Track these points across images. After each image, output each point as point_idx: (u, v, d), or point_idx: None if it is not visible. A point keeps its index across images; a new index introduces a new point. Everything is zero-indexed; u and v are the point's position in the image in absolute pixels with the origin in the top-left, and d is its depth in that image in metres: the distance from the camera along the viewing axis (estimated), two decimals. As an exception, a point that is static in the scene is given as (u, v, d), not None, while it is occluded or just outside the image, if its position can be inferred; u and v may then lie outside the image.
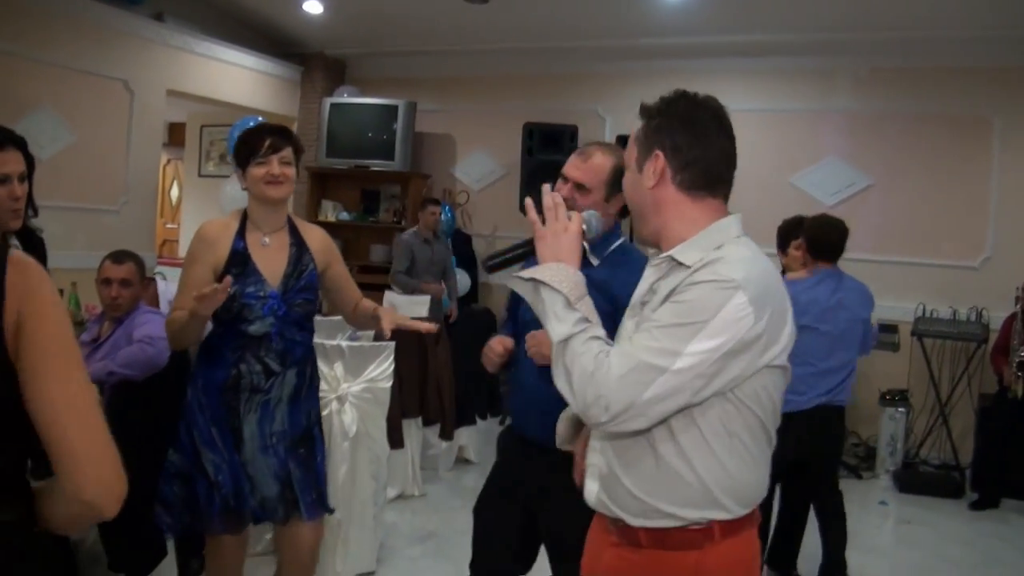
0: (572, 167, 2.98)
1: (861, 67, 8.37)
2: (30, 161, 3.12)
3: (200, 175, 11.59)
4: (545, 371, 2.68)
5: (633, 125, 2.25)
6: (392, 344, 4.55)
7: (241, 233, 3.39)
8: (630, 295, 2.25)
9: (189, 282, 3.27)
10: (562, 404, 2.18)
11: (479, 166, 9.87)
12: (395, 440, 5.28)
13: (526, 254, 2.26)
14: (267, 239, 3.41)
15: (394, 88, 9.91)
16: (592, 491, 2.12)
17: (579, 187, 2.93)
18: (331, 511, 3.64)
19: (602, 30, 8.77)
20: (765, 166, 8.59)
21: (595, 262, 2.94)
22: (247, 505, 3.35)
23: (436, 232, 8.09)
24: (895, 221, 7.82)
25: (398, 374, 4.88)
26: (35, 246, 3.42)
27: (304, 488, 3.42)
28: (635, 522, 2.02)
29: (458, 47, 9.59)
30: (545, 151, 8.57)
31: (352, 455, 4.46)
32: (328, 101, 9.66)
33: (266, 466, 3.35)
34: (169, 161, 13.04)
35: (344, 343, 4.55)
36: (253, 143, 3.35)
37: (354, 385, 4.50)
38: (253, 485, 3.35)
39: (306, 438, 3.47)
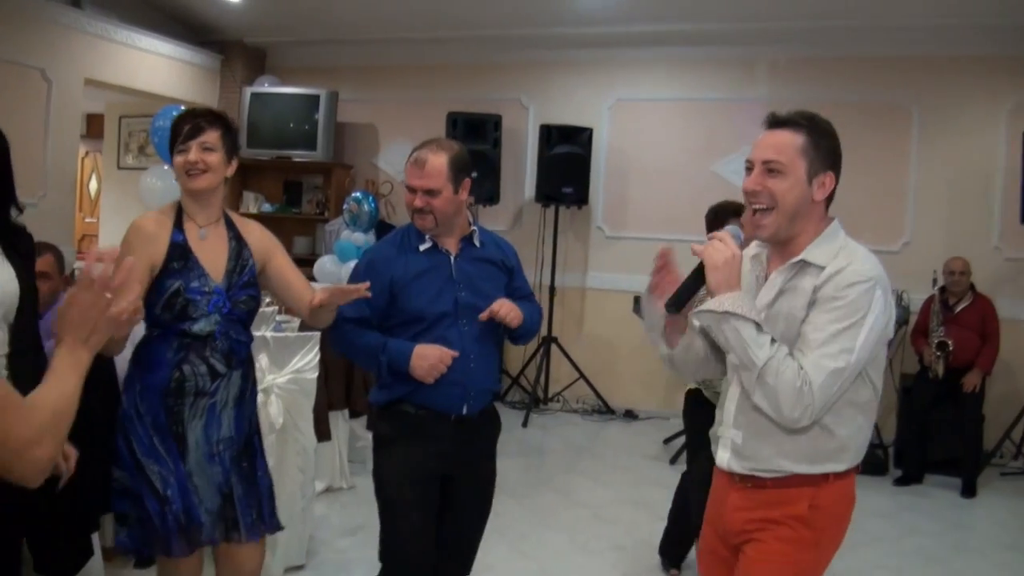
0: (414, 178, 3.20)
1: (780, 56, 8.52)
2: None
3: (119, 167, 11.37)
4: (483, 349, 3.31)
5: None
6: (317, 335, 4.51)
7: (179, 225, 3.20)
8: (514, 263, 3.47)
9: None
10: (492, 375, 3.40)
11: (402, 156, 9.68)
12: (322, 432, 5.24)
13: (699, 285, 2.48)
14: (204, 231, 3.23)
15: (316, 77, 9.82)
16: (724, 458, 2.56)
17: (429, 192, 3.18)
18: (279, 529, 3.46)
19: (525, 19, 8.78)
20: (687, 154, 8.71)
21: (478, 244, 3.39)
22: (199, 521, 3.14)
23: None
24: (814, 208, 7.98)
25: (324, 365, 4.84)
26: (20, 243, 3.04)
27: (245, 507, 3.25)
28: (764, 475, 2.47)
29: (380, 36, 9.52)
30: (469, 140, 8.53)
31: (279, 448, 4.42)
32: (248, 90, 9.54)
33: (211, 476, 3.16)
34: (88, 153, 12.78)
35: (269, 334, 4.51)
36: (175, 129, 3.19)
37: (279, 377, 4.45)
38: (200, 498, 3.14)
39: (248, 449, 3.31)
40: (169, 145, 3.22)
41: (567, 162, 8.57)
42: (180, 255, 3.13)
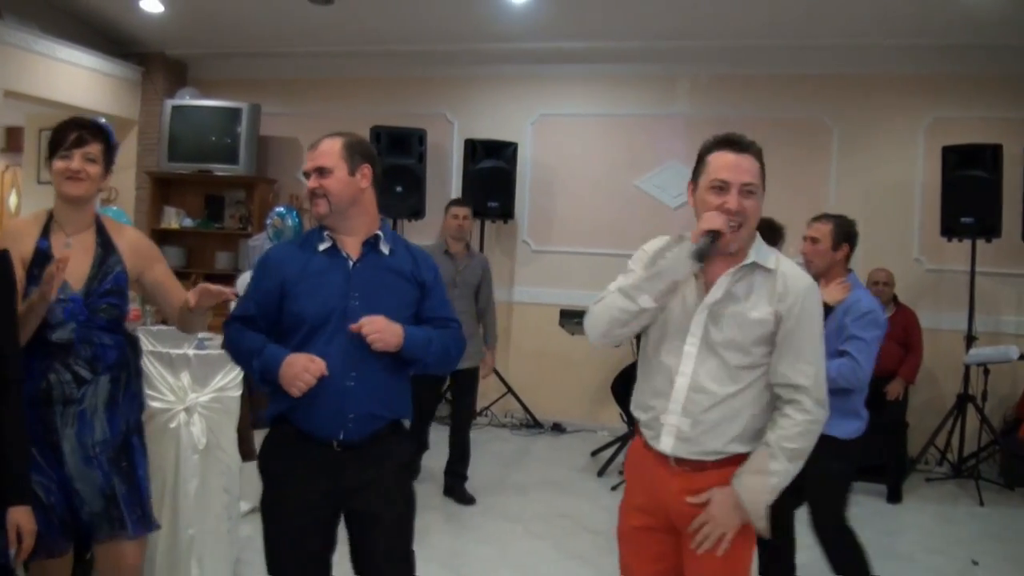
0: (308, 161, 3.13)
1: (701, 74, 8.64)
2: None
3: (39, 182, 11.07)
4: (367, 370, 2.99)
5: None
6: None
7: (45, 232, 3.21)
8: (431, 280, 3.19)
9: None
10: (382, 400, 3.05)
11: (326, 170, 9.72)
12: (246, 451, 5.13)
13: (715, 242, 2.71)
14: (71, 240, 3.22)
15: (237, 90, 9.71)
16: (668, 444, 2.76)
17: (320, 171, 3.06)
18: (156, 527, 3.45)
19: (449, 34, 8.79)
20: (611, 169, 8.78)
21: (386, 250, 3.15)
22: (80, 520, 3.18)
23: (467, 243, 6.65)
24: (737, 222, 8.08)
25: (247, 382, 4.76)
26: None
27: (129, 504, 3.25)
28: (707, 458, 2.74)
29: (303, 49, 9.46)
30: (393, 154, 8.52)
31: (202, 468, 4.34)
32: (169, 103, 9.41)
33: (91, 479, 3.17)
34: (7, 167, 12.49)
35: (191, 352, 4.42)
36: (60, 135, 3.20)
37: (202, 395, 4.37)
38: (83, 500, 3.17)
39: (126, 448, 3.29)
40: (49, 149, 3.21)
41: (492, 176, 8.57)
42: (41, 262, 3.11)
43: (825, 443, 4.29)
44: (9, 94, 8.09)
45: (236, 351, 3.13)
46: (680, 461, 2.77)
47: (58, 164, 3.17)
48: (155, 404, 4.29)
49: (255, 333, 3.05)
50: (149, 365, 4.25)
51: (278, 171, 9.84)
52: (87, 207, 3.29)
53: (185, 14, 8.91)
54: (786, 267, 2.77)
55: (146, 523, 3.34)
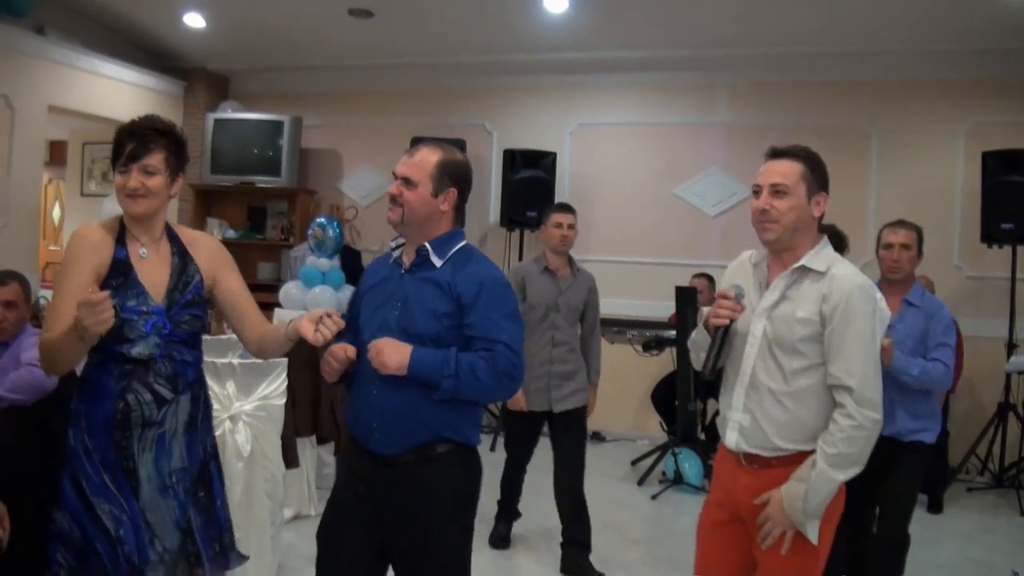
0: (400, 164, 3.01)
1: (740, 81, 8.63)
2: None
3: (83, 194, 11.30)
4: (390, 382, 2.86)
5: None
6: (284, 361, 4.50)
7: (121, 241, 2.98)
8: (471, 294, 2.91)
9: (70, 288, 2.82)
10: (409, 415, 2.87)
11: (366, 181, 9.83)
12: (290, 459, 5.21)
13: (724, 346, 3.00)
14: (144, 250, 2.99)
15: (279, 103, 9.83)
16: (732, 439, 2.99)
17: (406, 181, 2.96)
18: (242, 560, 3.24)
19: (487, 45, 8.85)
20: (649, 178, 8.78)
21: (438, 263, 3.00)
22: (148, 560, 2.89)
23: (571, 258, 5.52)
24: (776, 230, 8.08)
25: (291, 391, 4.82)
26: None
27: (206, 540, 3.03)
28: (766, 454, 2.91)
29: (343, 62, 9.56)
30: (433, 165, 8.58)
31: (247, 476, 4.39)
32: (212, 117, 9.54)
33: (167, 511, 2.93)
34: (51, 180, 12.69)
35: (236, 360, 4.49)
36: (118, 144, 2.96)
37: (247, 404, 4.44)
38: (154, 534, 2.91)
39: (203, 477, 3.07)
40: (112, 159, 2.99)
41: (531, 186, 8.61)
42: (120, 271, 2.92)
43: (924, 451, 4.31)
44: (53, 109, 8.23)
45: None
46: (748, 458, 2.96)
47: (119, 180, 2.93)
48: (201, 412, 4.36)
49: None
50: (194, 374, 4.32)
51: (319, 182, 9.93)
52: (156, 219, 3.05)
53: (227, 29, 9.03)
54: (838, 269, 2.88)
55: (224, 559, 3.13)
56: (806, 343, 2.84)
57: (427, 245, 2.99)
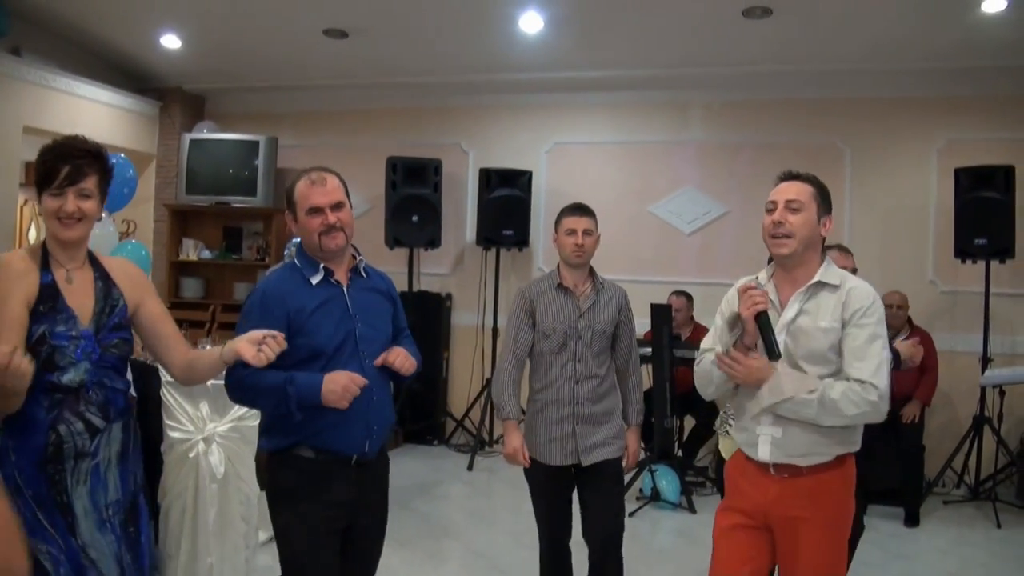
0: (319, 196, 3.20)
1: (714, 100, 8.70)
2: None
3: (57, 215, 11.25)
4: (384, 386, 3.28)
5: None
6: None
7: (46, 266, 2.88)
8: (395, 295, 3.47)
9: (3, 321, 2.70)
10: (391, 411, 3.38)
11: (343, 201, 9.79)
12: (264, 480, 5.19)
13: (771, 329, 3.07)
14: (71, 274, 2.91)
15: (255, 123, 9.83)
16: (765, 451, 3.08)
17: (337, 206, 3.20)
18: None
19: (463, 65, 8.88)
20: (625, 196, 8.81)
21: (365, 274, 3.36)
22: None
23: (593, 272, 4.41)
24: (751, 247, 8.03)
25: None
26: None
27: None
28: (801, 462, 3.04)
29: (319, 82, 9.58)
30: (409, 185, 8.61)
31: (221, 497, 4.39)
32: (188, 137, 9.52)
33: (107, 545, 2.84)
34: (26, 201, 12.62)
35: (210, 382, 4.46)
36: (47, 168, 2.86)
37: (220, 425, 4.44)
38: (100, 572, 2.81)
39: (133, 511, 2.99)
40: (37, 180, 2.89)
41: (507, 205, 8.62)
42: (48, 296, 2.82)
43: None
44: (28, 130, 8.19)
45: (258, 391, 3.06)
46: (779, 468, 3.09)
47: (50, 204, 2.84)
48: (174, 434, 4.35)
49: (270, 371, 2.97)
50: (168, 395, 4.31)
51: (295, 202, 9.90)
52: (84, 243, 2.99)
53: (202, 49, 9.03)
54: (852, 283, 3.11)
55: None
56: (832, 350, 3.04)
57: (362, 259, 3.36)
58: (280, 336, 2.93)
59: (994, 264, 7.36)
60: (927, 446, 7.18)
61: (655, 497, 6.92)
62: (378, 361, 3.19)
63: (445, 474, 7.87)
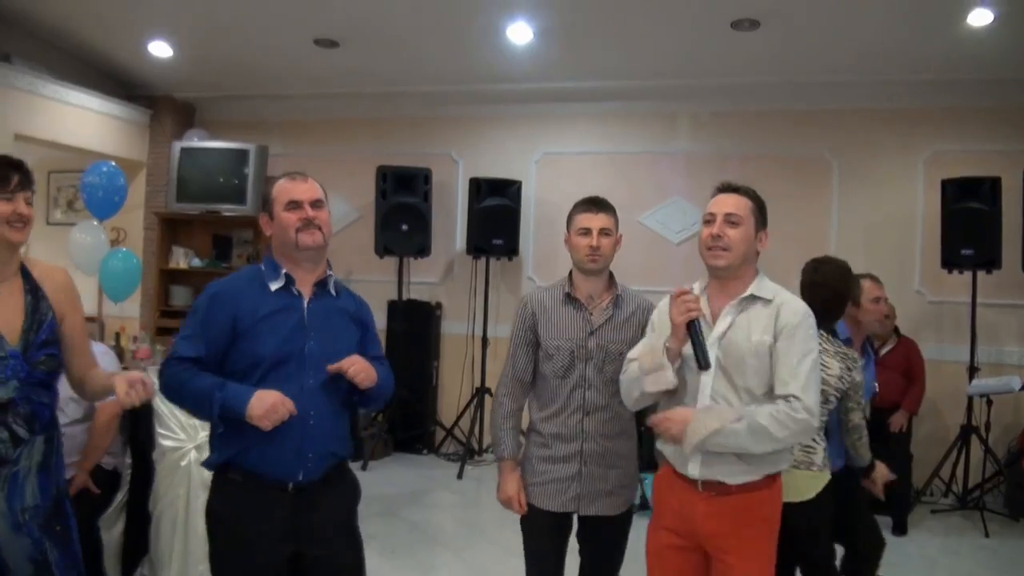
0: (300, 192, 3.13)
1: (702, 111, 8.75)
2: None
3: (48, 223, 11.20)
4: (324, 407, 3.02)
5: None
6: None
7: None
8: (368, 320, 3.29)
9: None
10: (336, 436, 3.08)
11: (333, 209, 9.58)
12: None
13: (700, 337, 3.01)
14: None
15: (245, 132, 9.83)
16: (695, 467, 3.02)
17: (317, 204, 3.14)
18: None
19: (453, 75, 8.91)
20: (613, 205, 8.80)
21: (334, 292, 3.20)
22: None
23: (611, 278, 3.78)
24: (740, 257, 8.17)
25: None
26: None
27: (63, 569, 3.02)
28: (730, 481, 3.00)
29: (309, 91, 9.60)
30: (399, 194, 8.63)
31: (212, 505, 4.39)
32: (178, 145, 9.51)
33: (20, 548, 2.91)
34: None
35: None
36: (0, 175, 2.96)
37: (214, 434, 4.43)
38: (8, 568, 2.90)
39: (58, 512, 3.05)
40: None
41: (496, 214, 8.65)
42: None
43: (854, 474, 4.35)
44: (19, 137, 8.19)
45: (186, 391, 2.96)
46: (707, 486, 3.04)
47: (2, 208, 2.94)
48: (166, 442, 4.37)
49: (206, 374, 2.94)
50: (160, 403, 4.32)
51: (285, 211, 9.90)
52: (17, 253, 3.06)
53: (193, 58, 9.04)
54: (785, 297, 3.09)
55: None
56: (763, 364, 2.99)
57: (331, 274, 3.20)
58: (151, 383, 2.93)
59: (981, 274, 7.40)
60: (914, 455, 7.21)
61: (644, 506, 6.91)
62: (331, 368, 2.94)
63: (435, 483, 7.89)
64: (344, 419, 3.15)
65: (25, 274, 3.06)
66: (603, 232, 3.62)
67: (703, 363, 2.97)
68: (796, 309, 3.04)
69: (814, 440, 3.85)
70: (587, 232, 3.60)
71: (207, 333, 2.98)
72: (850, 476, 4.33)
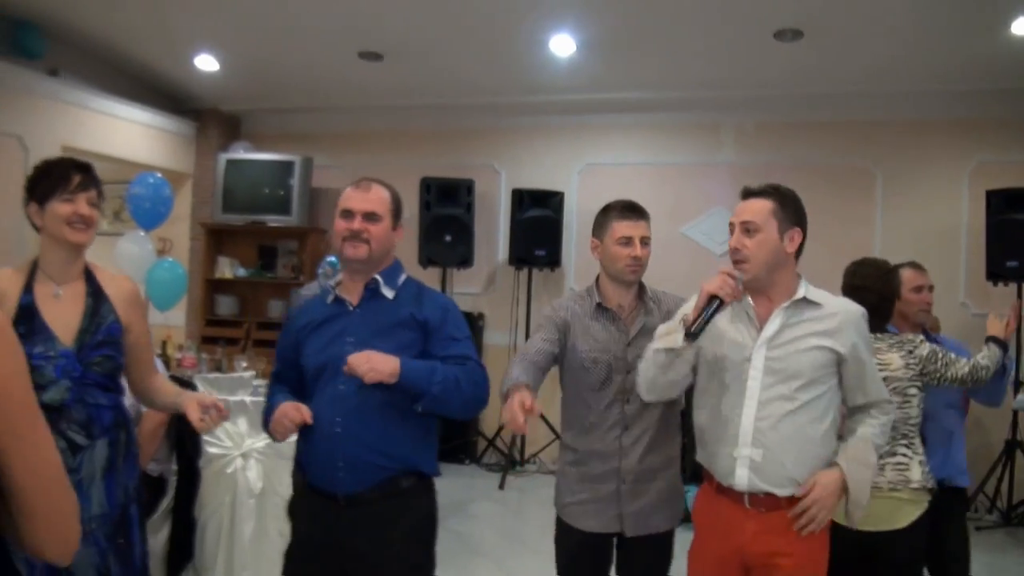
0: (355, 201, 3.03)
1: (746, 121, 8.72)
2: None
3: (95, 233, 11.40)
4: (354, 416, 2.87)
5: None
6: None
7: (29, 286, 2.94)
8: (438, 319, 3.00)
9: None
10: (377, 449, 2.85)
11: (378, 220, 9.84)
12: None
13: (712, 315, 2.86)
14: (60, 290, 2.97)
15: (290, 143, 9.93)
16: (743, 476, 2.88)
17: (370, 216, 3.00)
18: None
19: (496, 86, 8.95)
20: (656, 216, 8.69)
21: (390, 295, 3.04)
22: None
23: (643, 288, 3.64)
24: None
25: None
26: None
27: None
28: (780, 492, 2.86)
29: (353, 103, 9.68)
30: (442, 205, 8.68)
31: (258, 512, 4.45)
32: (223, 157, 9.63)
33: (86, 556, 2.83)
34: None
35: (248, 399, 4.54)
36: (57, 176, 2.99)
37: (258, 441, 4.49)
38: None
39: (123, 522, 2.98)
40: (43, 189, 3.00)
41: (539, 225, 8.68)
42: (25, 318, 2.86)
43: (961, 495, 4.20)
44: (66, 149, 8.29)
45: (265, 406, 3.09)
46: (755, 500, 2.89)
47: (63, 208, 2.95)
48: (212, 450, 4.42)
49: (281, 387, 3.05)
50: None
51: (329, 221, 9.92)
52: (82, 255, 3.08)
53: (239, 71, 9.15)
54: (835, 302, 3.01)
55: None
56: (815, 369, 2.89)
57: (377, 278, 3.02)
58: (224, 409, 2.96)
59: (1026, 286, 7.32)
60: (959, 470, 7.13)
61: (686, 519, 6.89)
62: (344, 369, 2.79)
63: (476, 493, 7.91)
64: (394, 429, 2.90)
65: (89, 278, 3.07)
66: (643, 241, 3.49)
67: (694, 335, 2.83)
68: (852, 315, 2.96)
69: (908, 449, 3.61)
70: (628, 241, 3.44)
71: (280, 350, 3.12)
72: (951, 495, 4.07)
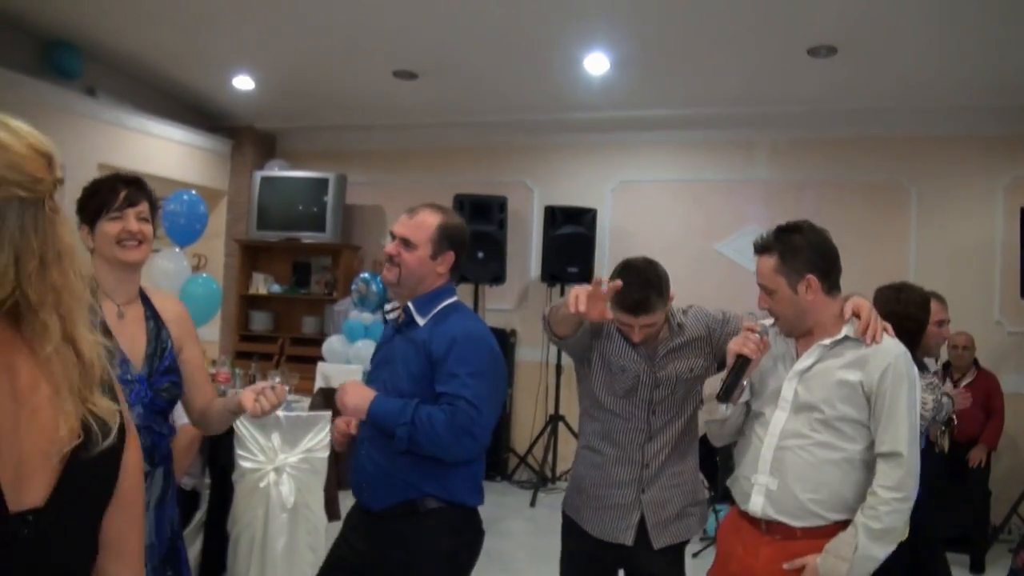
0: (399, 224, 3.05)
1: (779, 138, 8.69)
2: None
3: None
4: (376, 440, 2.94)
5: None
6: (328, 414, 4.58)
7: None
8: (443, 350, 2.86)
9: None
10: (390, 472, 2.89)
11: (409, 237, 9.88)
12: (332, 511, 5.25)
13: (741, 377, 2.90)
14: (121, 310, 2.82)
15: (324, 161, 9.99)
16: (758, 504, 2.88)
17: (405, 243, 3.01)
18: None
19: (530, 104, 8.98)
20: (689, 234, 8.81)
21: (421, 322, 3.00)
22: None
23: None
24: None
25: (334, 444, 4.89)
26: None
27: None
28: (795, 523, 2.83)
29: (388, 121, 9.74)
30: (476, 222, 8.69)
31: (290, 526, 4.47)
32: (259, 174, 9.72)
33: None
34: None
35: (281, 413, 4.56)
36: (104, 194, 2.83)
37: (291, 456, 4.51)
38: None
39: (172, 556, 2.89)
40: (92, 209, 2.86)
41: (571, 242, 8.68)
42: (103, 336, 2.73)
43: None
44: (103, 167, 8.38)
45: None
46: (771, 528, 2.88)
47: (111, 227, 2.80)
48: (246, 464, 4.44)
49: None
50: (240, 426, 4.41)
51: (363, 238, 10.06)
52: (137, 273, 2.91)
53: (274, 90, 9.23)
54: (885, 342, 2.87)
55: None
56: (845, 404, 2.80)
57: (410, 305, 3.02)
58: (281, 387, 2.84)
59: (1063, 304, 7.24)
60: (993, 491, 7.06)
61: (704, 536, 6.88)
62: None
63: (508, 510, 7.90)
64: (402, 456, 2.89)
65: (145, 300, 2.94)
66: (645, 327, 3.24)
67: (726, 396, 2.91)
68: (891, 353, 2.81)
69: None
70: (628, 327, 3.26)
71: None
72: (924, 511, 4.15)
